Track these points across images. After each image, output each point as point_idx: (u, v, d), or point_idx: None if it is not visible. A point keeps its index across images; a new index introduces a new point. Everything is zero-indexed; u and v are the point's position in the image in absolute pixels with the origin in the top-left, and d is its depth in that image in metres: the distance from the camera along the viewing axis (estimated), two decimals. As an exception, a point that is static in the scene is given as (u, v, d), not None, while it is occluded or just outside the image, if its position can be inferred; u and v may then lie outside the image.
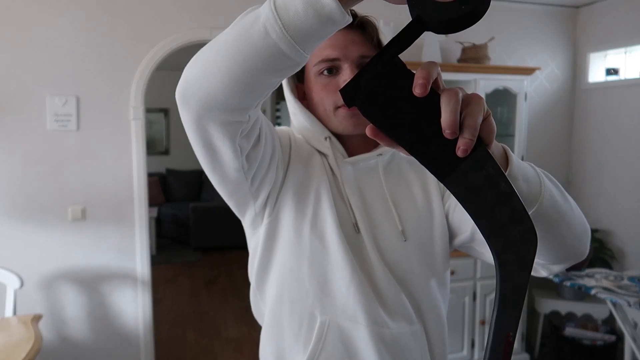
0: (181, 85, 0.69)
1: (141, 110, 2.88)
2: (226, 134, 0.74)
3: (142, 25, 2.84)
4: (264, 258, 0.95)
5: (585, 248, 0.75)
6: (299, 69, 0.64)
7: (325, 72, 0.91)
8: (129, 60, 2.84)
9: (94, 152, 2.84)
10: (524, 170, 0.65)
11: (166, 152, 6.83)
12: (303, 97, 1.00)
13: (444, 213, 0.96)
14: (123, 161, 2.89)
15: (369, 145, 0.97)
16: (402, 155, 0.69)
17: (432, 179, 0.98)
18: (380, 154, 0.96)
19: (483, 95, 3.10)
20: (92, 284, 2.90)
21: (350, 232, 0.92)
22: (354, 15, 0.90)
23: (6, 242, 2.76)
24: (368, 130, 0.54)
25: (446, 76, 3.07)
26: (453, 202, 0.95)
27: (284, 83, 0.96)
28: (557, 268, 0.79)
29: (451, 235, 0.97)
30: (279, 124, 6.40)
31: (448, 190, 0.59)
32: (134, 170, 2.90)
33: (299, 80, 1.00)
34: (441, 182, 0.53)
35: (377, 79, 0.52)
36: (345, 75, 0.89)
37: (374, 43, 0.92)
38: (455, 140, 0.51)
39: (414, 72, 0.52)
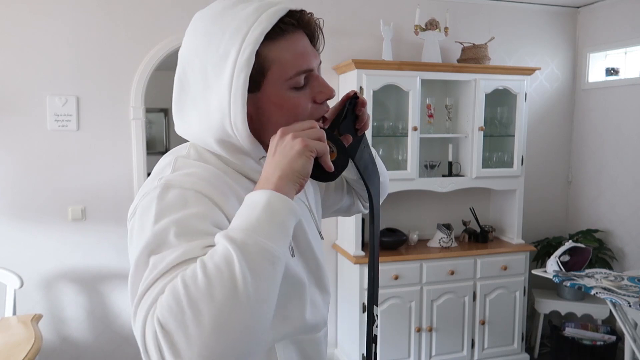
0: None
1: (141, 110, 2.88)
2: None
3: (142, 26, 2.84)
4: None
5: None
6: None
7: (298, 87, 0.81)
8: (129, 61, 2.84)
9: (94, 152, 2.84)
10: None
11: (166, 152, 6.85)
12: None
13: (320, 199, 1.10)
14: (123, 161, 2.89)
15: None
16: None
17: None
18: None
19: (483, 95, 3.11)
20: (92, 283, 2.90)
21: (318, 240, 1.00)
22: (313, 23, 0.83)
23: (6, 242, 2.76)
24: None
25: (446, 76, 3.07)
26: (325, 186, 1.12)
27: (234, 110, 0.77)
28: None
29: (324, 211, 1.13)
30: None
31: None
32: (134, 170, 2.90)
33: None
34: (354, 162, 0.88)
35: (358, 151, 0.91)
36: (322, 86, 0.83)
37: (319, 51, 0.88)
38: (358, 143, 0.89)
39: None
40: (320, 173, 0.78)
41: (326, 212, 1.15)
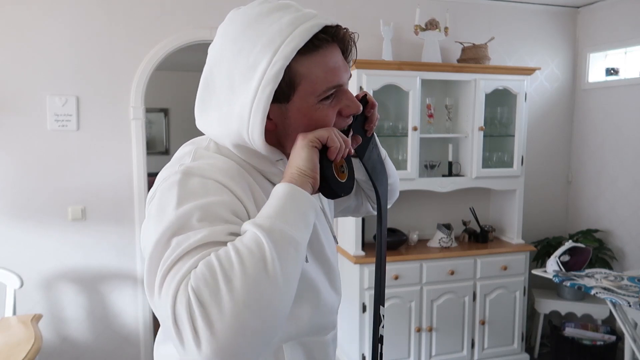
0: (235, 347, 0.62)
1: (141, 110, 2.88)
2: None
3: (142, 26, 2.84)
4: None
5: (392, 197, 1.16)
6: None
7: (327, 99, 0.83)
8: (129, 60, 2.84)
9: (94, 152, 2.84)
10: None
11: (166, 152, 6.82)
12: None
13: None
14: (123, 161, 2.89)
15: None
16: None
17: None
18: None
19: (483, 95, 3.11)
20: (92, 283, 2.90)
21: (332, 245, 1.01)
22: (348, 38, 0.83)
23: (6, 242, 2.76)
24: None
25: (446, 76, 3.07)
26: None
27: (253, 121, 0.79)
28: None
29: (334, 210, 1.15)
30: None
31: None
32: (134, 170, 2.90)
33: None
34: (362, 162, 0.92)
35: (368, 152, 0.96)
36: (349, 101, 0.85)
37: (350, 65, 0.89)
38: (367, 143, 0.93)
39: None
40: (327, 189, 0.81)
41: (334, 212, 1.15)
